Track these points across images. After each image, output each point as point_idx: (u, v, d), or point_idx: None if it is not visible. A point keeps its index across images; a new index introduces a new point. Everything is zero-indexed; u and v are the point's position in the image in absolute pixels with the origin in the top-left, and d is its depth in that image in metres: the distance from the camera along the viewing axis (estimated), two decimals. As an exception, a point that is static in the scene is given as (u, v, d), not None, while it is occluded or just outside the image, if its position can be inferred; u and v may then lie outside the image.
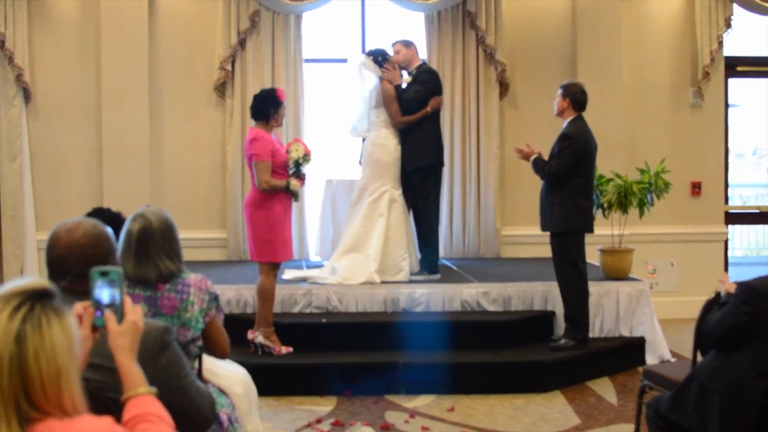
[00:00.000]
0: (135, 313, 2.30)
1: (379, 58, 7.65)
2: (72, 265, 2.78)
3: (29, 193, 8.87)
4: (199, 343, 3.76)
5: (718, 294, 4.26)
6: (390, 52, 7.74)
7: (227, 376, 4.51)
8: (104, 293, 2.26)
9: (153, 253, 3.67)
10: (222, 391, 4.34)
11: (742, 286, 3.86)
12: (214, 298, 3.79)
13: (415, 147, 7.58)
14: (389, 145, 7.60)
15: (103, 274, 2.26)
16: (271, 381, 6.34)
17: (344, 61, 8.40)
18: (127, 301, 2.30)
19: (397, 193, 7.64)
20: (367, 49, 8.36)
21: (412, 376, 6.48)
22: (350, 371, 6.51)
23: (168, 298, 3.70)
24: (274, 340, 6.62)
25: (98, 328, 2.27)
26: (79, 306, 2.26)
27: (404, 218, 7.66)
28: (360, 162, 7.91)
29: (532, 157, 6.80)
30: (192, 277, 3.75)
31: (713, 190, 9.47)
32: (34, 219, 8.86)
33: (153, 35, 8.96)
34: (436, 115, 7.68)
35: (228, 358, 3.95)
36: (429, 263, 7.66)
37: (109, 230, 2.94)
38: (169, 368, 2.73)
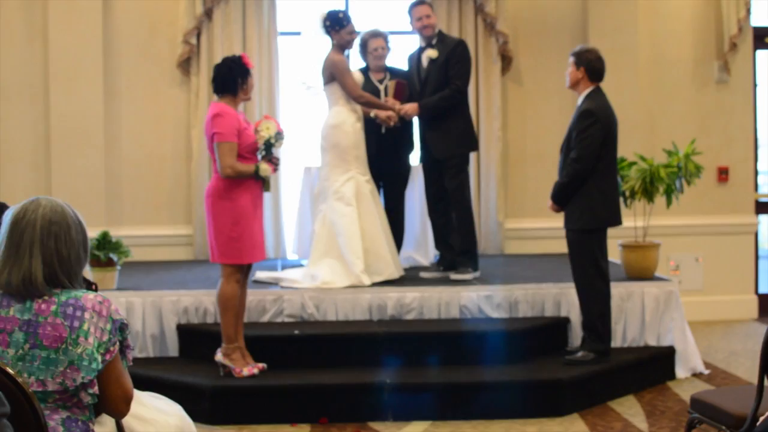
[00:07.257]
0: None
1: (327, 22, 6.74)
2: None
3: (-33, 185, 8.21)
4: (93, 390, 2.74)
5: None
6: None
7: (156, 420, 3.51)
8: None
9: (27, 247, 2.75)
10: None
11: None
12: (119, 329, 2.78)
13: (457, 132, 6.93)
14: (345, 125, 6.81)
15: None
16: (232, 407, 5.65)
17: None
18: None
19: (364, 179, 6.89)
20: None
21: (401, 399, 5.77)
22: (327, 394, 5.78)
23: (52, 324, 2.72)
24: (235, 359, 5.65)
25: None
26: None
27: (376, 206, 6.93)
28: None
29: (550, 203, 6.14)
30: (89, 297, 2.77)
31: (742, 177, 8.79)
32: (-28, 214, 7.91)
33: (107, 5, 8.30)
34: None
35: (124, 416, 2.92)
36: (471, 258, 6.98)
37: None
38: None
